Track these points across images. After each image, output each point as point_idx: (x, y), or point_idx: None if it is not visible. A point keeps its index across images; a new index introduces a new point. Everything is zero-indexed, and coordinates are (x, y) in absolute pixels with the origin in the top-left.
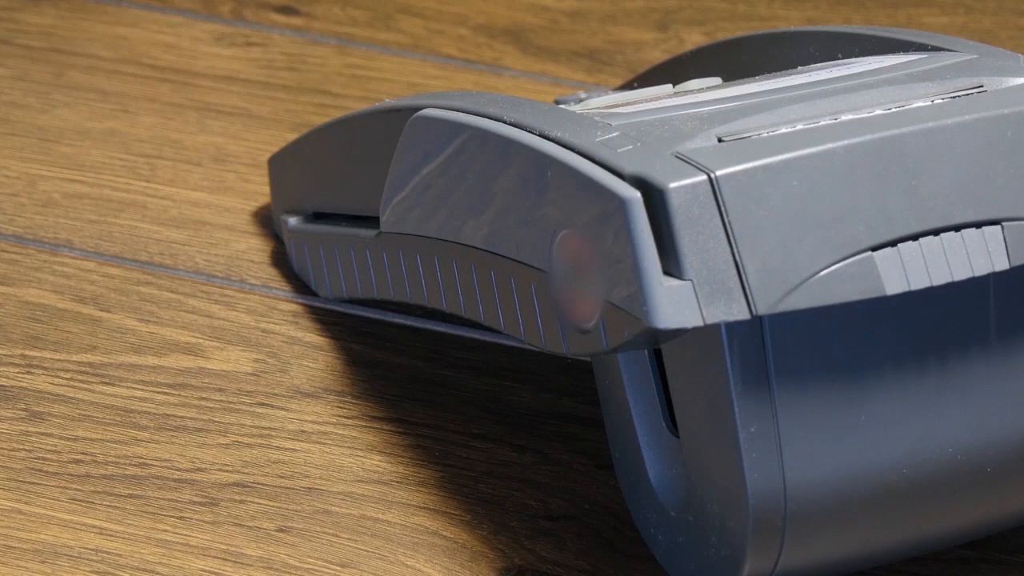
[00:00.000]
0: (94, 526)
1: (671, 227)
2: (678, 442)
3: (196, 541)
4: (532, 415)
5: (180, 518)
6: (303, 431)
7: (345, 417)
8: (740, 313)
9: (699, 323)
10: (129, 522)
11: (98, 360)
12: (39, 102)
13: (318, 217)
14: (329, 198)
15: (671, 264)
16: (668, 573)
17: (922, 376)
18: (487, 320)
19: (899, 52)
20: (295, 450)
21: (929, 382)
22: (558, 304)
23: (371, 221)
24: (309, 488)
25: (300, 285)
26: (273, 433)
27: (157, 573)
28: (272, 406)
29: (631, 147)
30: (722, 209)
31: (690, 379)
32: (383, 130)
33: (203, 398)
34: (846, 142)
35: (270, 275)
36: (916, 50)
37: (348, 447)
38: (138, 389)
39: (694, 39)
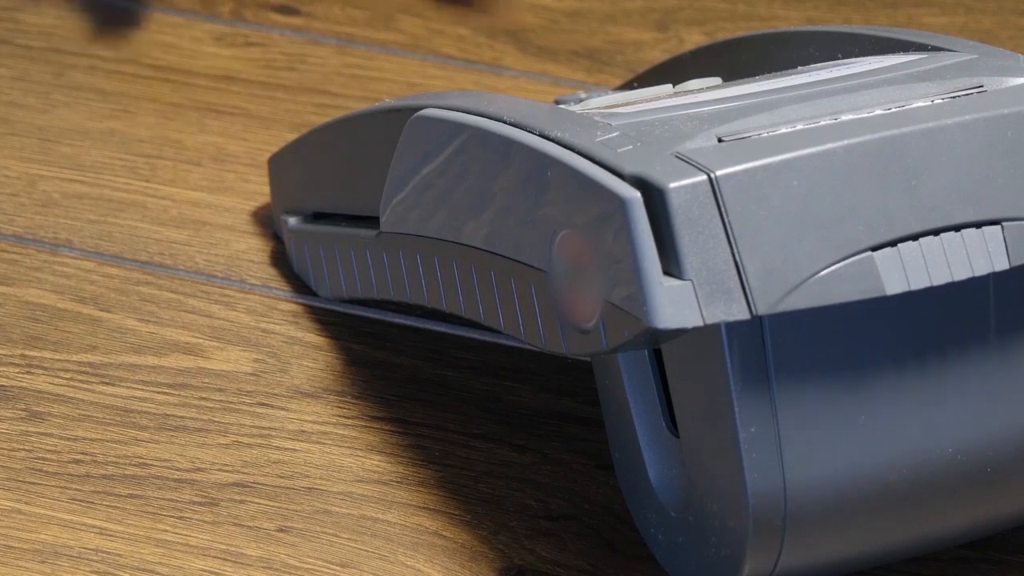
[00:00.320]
0: (94, 526)
1: (671, 227)
2: (678, 442)
3: (196, 541)
4: (532, 415)
5: (180, 518)
6: (303, 431)
7: (345, 417)
8: (740, 313)
9: (699, 323)
10: (129, 522)
11: (98, 360)
12: (39, 102)
13: (318, 217)
14: (329, 198)
15: (671, 264)
16: (668, 573)
17: (922, 376)
18: (487, 320)
19: (899, 52)
20: (295, 450)
21: (929, 382)
22: (558, 304)
23: (371, 221)
24: (309, 488)
25: (300, 285)
26: (273, 433)
27: (157, 573)
28: (272, 406)
29: (631, 147)
30: (722, 209)
31: (690, 379)
32: (383, 130)
33: (203, 398)
34: (846, 142)
35: (270, 275)
36: (916, 50)
37: (348, 447)
38: (138, 389)
39: (694, 39)
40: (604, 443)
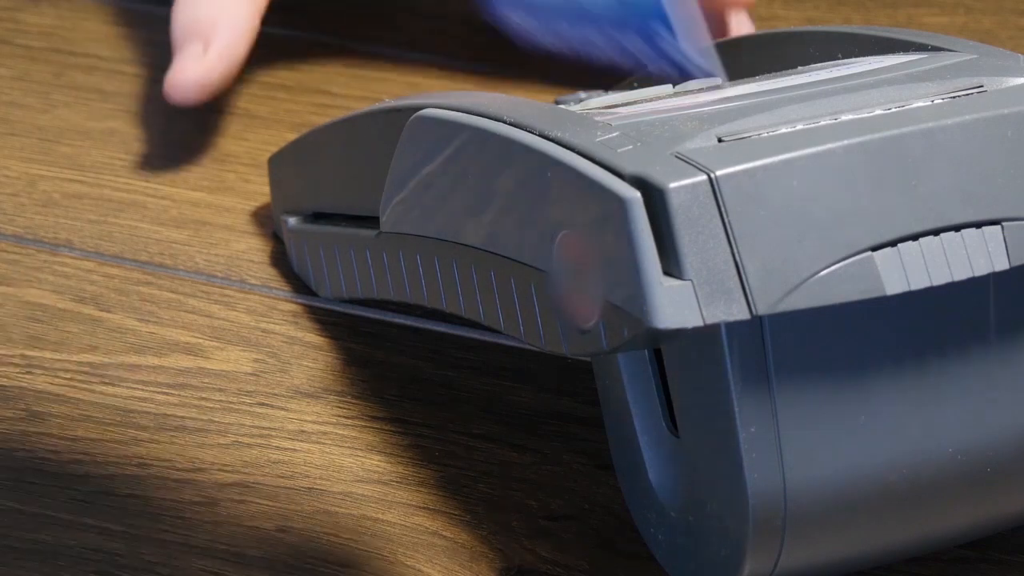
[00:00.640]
0: (94, 526)
1: (671, 227)
2: (678, 442)
3: (196, 541)
4: (532, 415)
5: (180, 518)
6: (303, 431)
7: (345, 417)
8: (740, 313)
9: (699, 323)
10: (129, 522)
11: (98, 360)
12: (39, 102)
13: (318, 217)
14: (329, 198)
15: (671, 264)
16: (668, 573)
17: (922, 376)
18: (487, 320)
19: (899, 52)
20: (295, 450)
21: (929, 382)
22: (558, 304)
23: (371, 221)
24: (309, 488)
25: (300, 285)
26: (273, 433)
27: (157, 573)
28: (272, 406)
29: (631, 147)
30: (722, 209)
31: (690, 379)
32: (383, 130)
33: (203, 398)
34: (846, 142)
35: (270, 275)
36: (916, 50)
37: (348, 447)
38: (138, 389)
39: None
40: (604, 443)
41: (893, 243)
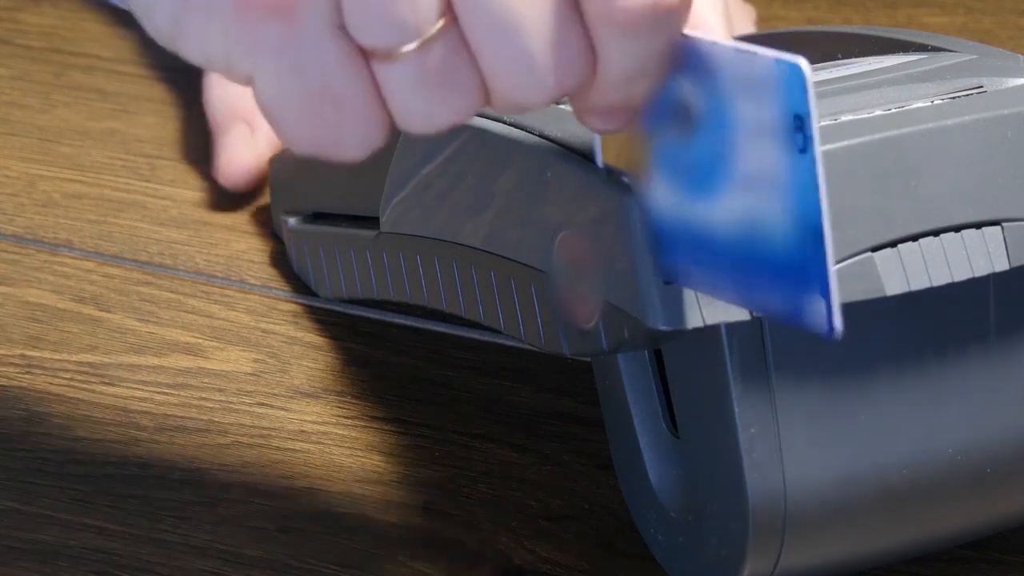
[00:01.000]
0: (94, 526)
1: None
2: (678, 442)
3: (196, 541)
4: (532, 415)
5: (180, 518)
6: (303, 431)
7: (345, 417)
8: (740, 314)
9: (699, 324)
10: (129, 522)
11: (98, 360)
12: (39, 102)
13: (318, 217)
14: (329, 198)
15: None
16: (668, 573)
17: (922, 376)
18: (487, 320)
19: (899, 52)
20: (295, 450)
21: (929, 382)
22: (558, 304)
23: (371, 221)
24: (309, 488)
25: (300, 285)
26: (273, 433)
27: (157, 573)
28: (272, 406)
29: None
30: None
31: (690, 379)
32: None
33: (203, 398)
34: (846, 143)
35: (270, 275)
36: (916, 50)
37: (348, 447)
38: (138, 389)
39: None
40: (604, 443)
41: (893, 244)
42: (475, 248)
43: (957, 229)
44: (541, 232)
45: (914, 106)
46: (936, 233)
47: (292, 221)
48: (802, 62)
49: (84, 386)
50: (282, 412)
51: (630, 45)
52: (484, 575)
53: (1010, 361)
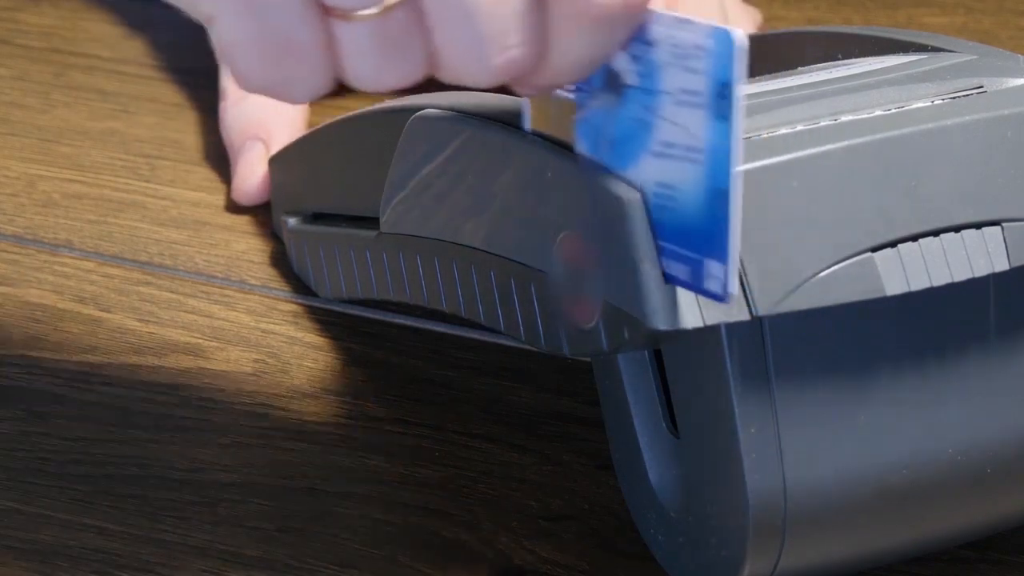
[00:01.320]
0: (93, 526)
1: None
2: (678, 442)
3: (196, 541)
4: (532, 415)
5: (180, 518)
6: (303, 431)
7: (345, 417)
8: (740, 314)
9: (699, 324)
10: (129, 522)
11: (98, 360)
12: (39, 102)
13: (318, 217)
14: (329, 198)
15: None
16: (668, 573)
17: (922, 376)
18: (487, 320)
19: (899, 52)
20: (295, 450)
21: (929, 382)
22: (558, 305)
23: (371, 221)
24: (309, 488)
25: (300, 285)
26: (273, 433)
27: (157, 573)
28: (272, 406)
29: None
30: None
31: (690, 379)
32: (383, 130)
33: (203, 398)
34: (846, 143)
35: (270, 275)
36: (916, 51)
37: (348, 447)
38: (138, 389)
39: None
40: (604, 443)
41: (893, 244)
42: (475, 248)
43: (957, 229)
44: (541, 232)
45: (914, 106)
46: (936, 233)
47: (292, 221)
48: (738, 32)
49: (84, 386)
50: (282, 412)
51: (591, 38)
52: (484, 575)
53: (1010, 361)
